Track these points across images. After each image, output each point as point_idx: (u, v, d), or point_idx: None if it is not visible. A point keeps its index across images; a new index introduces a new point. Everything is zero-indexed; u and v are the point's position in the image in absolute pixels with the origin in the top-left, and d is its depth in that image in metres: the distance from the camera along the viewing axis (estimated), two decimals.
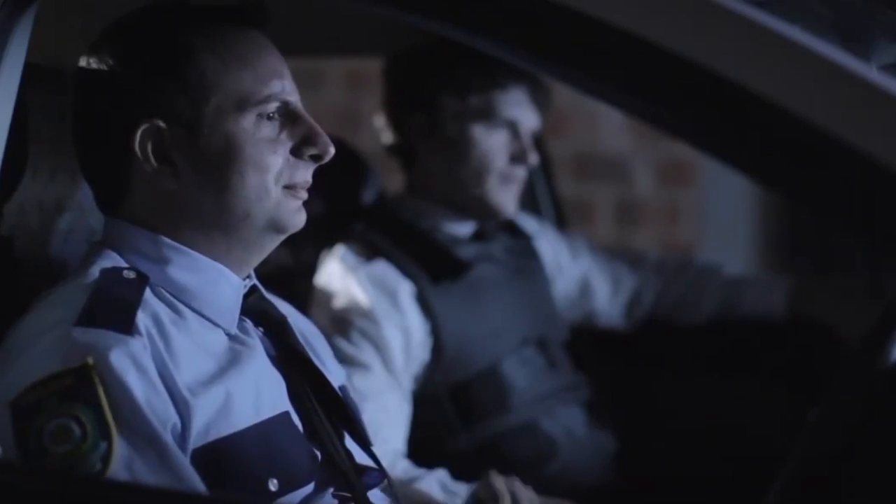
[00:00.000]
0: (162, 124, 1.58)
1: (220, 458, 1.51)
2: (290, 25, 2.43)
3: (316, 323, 2.00)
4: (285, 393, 1.62)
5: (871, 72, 1.31)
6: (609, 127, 4.32)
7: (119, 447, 1.44)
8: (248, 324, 1.65)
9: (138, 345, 1.50)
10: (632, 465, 2.50)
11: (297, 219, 1.63)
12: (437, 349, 2.30)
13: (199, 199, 1.59)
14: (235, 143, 1.58)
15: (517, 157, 2.38)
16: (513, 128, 2.38)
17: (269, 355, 1.64)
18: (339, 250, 2.36)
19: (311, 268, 2.42)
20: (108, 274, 1.56)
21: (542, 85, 2.41)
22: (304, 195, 1.64)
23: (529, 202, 2.80)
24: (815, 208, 1.36)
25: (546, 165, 2.87)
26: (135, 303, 1.53)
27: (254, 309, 1.66)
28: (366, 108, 4.18)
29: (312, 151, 1.63)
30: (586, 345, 2.60)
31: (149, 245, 1.60)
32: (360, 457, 1.68)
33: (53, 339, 1.48)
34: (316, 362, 1.68)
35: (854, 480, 1.41)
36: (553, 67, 1.44)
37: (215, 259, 1.61)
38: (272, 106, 1.60)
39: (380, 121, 2.48)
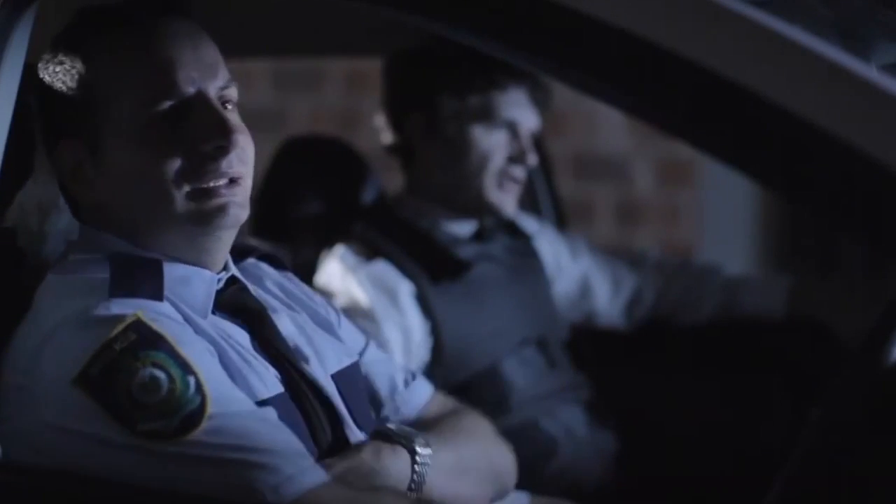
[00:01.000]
0: (73, 142, 1.58)
1: None
2: (290, 25, 2.43)
3: None
4: (276, 378, 1.60)
5: (871, 72, 1.31)
6: (609, 127, 4.32)
7: (206, 375, 1.46)
8: (222, 317, 1.62)
9: (172, 309, 1.52)
10: (632, 465, 2.50)
11: (224, 218, 1.56)
12: (437, 349, 2.30)
13: (122, 208, 1.58)
14: (128, 151, 1.55)
15: (516, 158, 2.38)
16: (512, 128, 2.38)
17: (253, 342, 1.63)
18: (339, 250, 2.36)
19: (311, 268, 2.42)
20: (115, 256, 1.57)
21: (541, 85, 2.41)
22: (232, 189, 1.55)
23: (529, 202, 2.80)
24: (815, 208, 1.36)
25: (546, 165, 2.87)
26: (159, 273, 1.54)
27: (230, 302, 1.63)
28: (366, 108, 4.17)
29: (212, 144, 1.55)
30: (586, 345, 2.60)
31: (115, 248, 1.59)
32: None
33: (97, 313, 1.48)
34: (299, 352, 1.65)
35: (854, 480, 1.41)
36: (553, 67, 1.44)
37: (176, 257, 1.59)
38: (163, 105, 1.54)
39: (380, 120, 2.48)
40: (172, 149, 1.54)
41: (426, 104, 2.38)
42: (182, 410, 1.44)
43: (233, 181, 1.57)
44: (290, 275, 1.80)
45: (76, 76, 1.58)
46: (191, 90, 1.56)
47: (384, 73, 2.49)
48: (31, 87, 1.63)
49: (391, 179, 2.68)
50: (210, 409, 1.45)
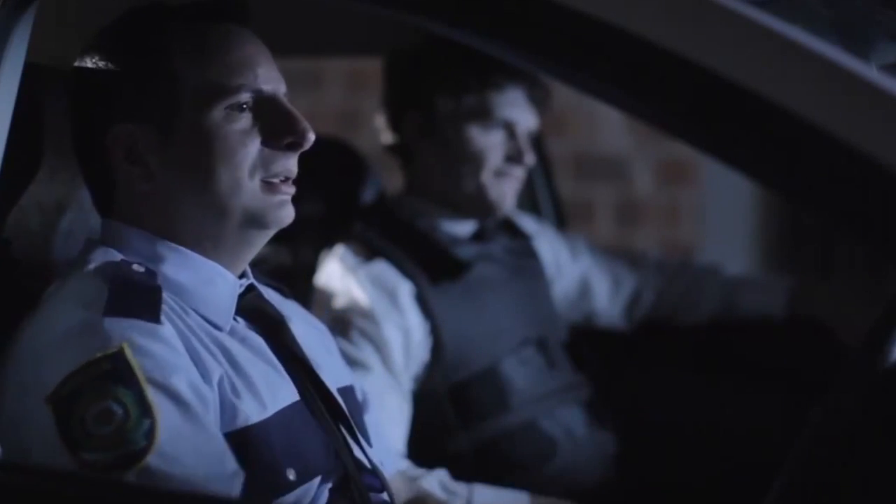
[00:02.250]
0: (133, 126, 1.59)
1: (246, 445, 1.52)
2: (290, 25, 2.43)
3: None
4: (292, 385, 1.62)
5: (871, 72, 1.31)
6: (609, 127, 4.32)
7: (163, 424, 1.45)
8: (243, 323, 1.64)
9: (168, 330, 1.52)
10: (632, 465, 2.50)
11: (281, 214, 1.61)
12: (437, 349, 2.30)
13: (175, 198, 1.59)
14: (205, 137, 1.57)
15: (513, 158, 2.38)
16: (509, 128, 2.38)
17: (270, 349, 1.64)
18: (339, 250, 2.36)
19: (311, 268, 2.42)
20: (123, 266, 1.57)
21: (540, 84, 2.41)
22: (289, 188, 1.62)
23: (529, 202, 2.80)
24: (815, 208, 1.35)
25: (546, 165, 2.87)
26: (158, 291, 1.55)
27: (250, 308, 1.65)
28: (366, 108, 4.17)
29: (289, 139, 1.60)
30: (586, 345, 2.60)
31: (144, 244, 1.60)
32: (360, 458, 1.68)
33: (85, 331, 1.49)
34: (312, 362, 1.68)
35: (854, 480, 1.41)
36: (552, 67, 1.44)
37: (207, 257, 1.61)
38: (243, 96, 1.59)
39: (380, 120, 2.48)
40: (249, 140, 1.58)
41: (423, 104, 2.38)
42: (124, 448, 1.44)
43: (288, 180, 1.62)
44: (295, 304, 1.83)
45: (152, 63, 1.59)
46: (266, 88, 1.61)
47: (384, 73, 2.49)
48: (80, 67, 1.63)
49: (391, 179, 2.68)
50: (150, 456, 1.44)
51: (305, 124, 1.60)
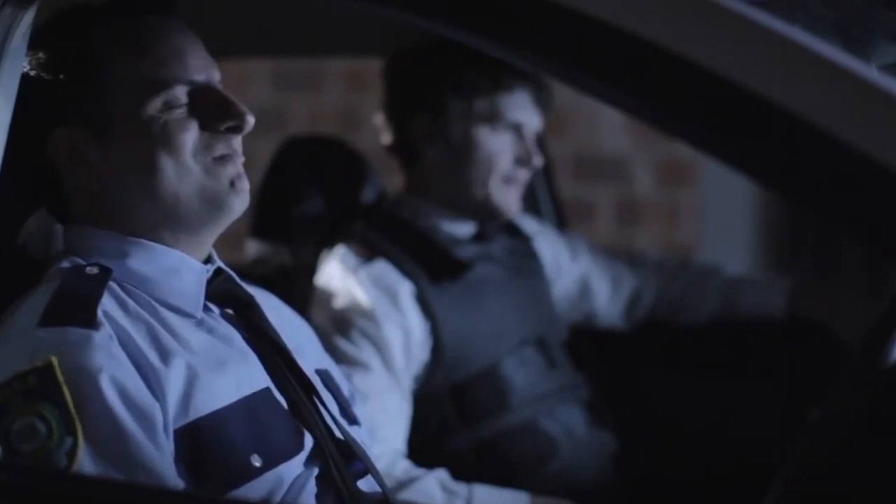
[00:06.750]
0: (71, 129, 1.60)
1: (202, 436, 1.52)
2: (290, 25, 2.44)
3: (316, 323, 2.00)
4: (263, 370, 1.62)
5: (871, 72, 1.31)
6: (609, 127, 4.33)
7: (85, 442, 1.45)
8: (216, 308, 1.65)
9: (103, 336, 1.51)
10: (632, 465, 2.50)
11: (234, 199, 1.61)
12: (437, 349, 2.30)
13: (125, 193, 1.60)
14: (145, 130, 1.58)
15: (521, 160, 2.38)
16: (517, 130, 2.38)
17: (242, 336, 1.65)
18: (339, 250, 2.36)
19: (311, 268, 2.42)
20: (70, 273, 1.58)
21: (545, 86, 2.41)
22: (236, 166, 1.61)
23: (529, 202, 2.80)
24: (815, 208, 1.36)
25: (546, 165, 2.87)
26: (96, 295, 1.54)
27: (220, 292, 1.66)
28: (366, 108, 4.17)
29: (228, 124, 1.61)
30: (586, 345, 2.60)
31: (107, 242, 1.61)
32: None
33: (19, 342, 1.50)
34: (287, 344, 1.67)
35: (854, 480, 1.41)
36: (553, 67, 1.44)
37: (170, 246, 1.62)
38: (177, 90, 1.59)
39: (380, 120, 2.48)
40: (188, 125, 1.59)
41: (432, 106, 2.38)
42: (45, 465, 1.45)
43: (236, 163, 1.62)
44: (266, 293, 1.82)
45: (82, 65, 1.60)
46: (197, 78, 1.61)
47: (386, 73, 2.48)
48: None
49: (391, 179, 2.68)
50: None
51: (243, 108, 1.61)
